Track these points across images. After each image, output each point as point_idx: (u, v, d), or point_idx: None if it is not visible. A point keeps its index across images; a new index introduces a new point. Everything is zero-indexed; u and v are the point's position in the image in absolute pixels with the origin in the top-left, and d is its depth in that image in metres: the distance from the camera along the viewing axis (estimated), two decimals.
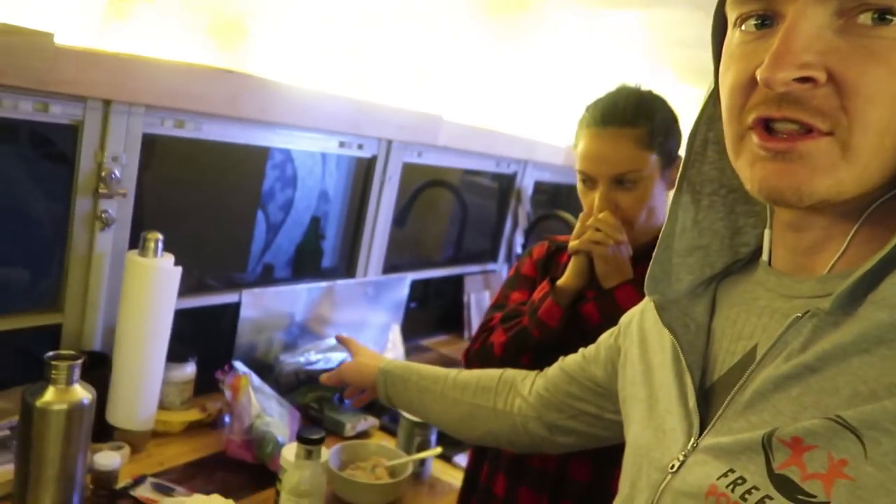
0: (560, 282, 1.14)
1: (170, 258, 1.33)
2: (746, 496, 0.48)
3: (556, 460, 1.14)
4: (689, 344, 0.62)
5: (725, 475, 0.50)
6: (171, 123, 1.38)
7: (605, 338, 0.87)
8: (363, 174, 1.97)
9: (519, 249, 2.71)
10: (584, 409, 0.88)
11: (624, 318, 0.83)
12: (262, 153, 1.73)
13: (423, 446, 1.48)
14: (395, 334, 1.97)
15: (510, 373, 1.03)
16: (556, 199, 3.09)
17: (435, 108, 1.96)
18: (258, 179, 1.77)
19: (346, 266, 2.05)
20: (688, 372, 0.61)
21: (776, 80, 0.46)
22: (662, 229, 0.67)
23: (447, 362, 2.25)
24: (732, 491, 0.49)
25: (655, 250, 0.67)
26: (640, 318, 0.75)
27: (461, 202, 2.65)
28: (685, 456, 0.56)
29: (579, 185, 1.16)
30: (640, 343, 0.73)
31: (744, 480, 0.49)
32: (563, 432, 0.92)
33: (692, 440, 0.57)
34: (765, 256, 0.62)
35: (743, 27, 0.51)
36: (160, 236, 1.30)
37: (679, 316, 0.65)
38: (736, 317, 0.62)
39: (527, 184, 2.69)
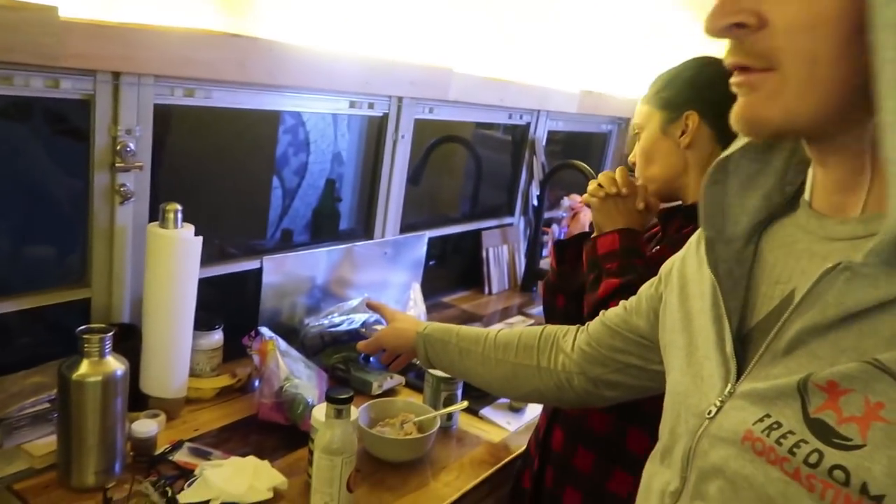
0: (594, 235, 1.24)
1: (190, 228, 1.34)
2: (782, 440, 0.48)
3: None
4: (731, 289, 0.62)
5: (761, 420, 0.51)
6: (181, 93, 1.38)
7: (646, 288, 0.87)
8: (375, 134, 1.96)
9: (535, 202, 2.69)
10: (629, 362, 0.88)
11: (664, 266, 0.82)
12: (273, 118, 1.72)
13: (450, 401, 1.50)
14: (416, 293, 1.98)
15: (550, 329, 1.03)
16: (570, 149, 3.06)
17: (444, 62, 1.93)
18: (271, 145, 1.77)
19: (364, 227, 2.05)
20: (726, 317, 0.60)
21: (712, 28, 0.52)
22: (717, 160, 0.65)
23: (469, 318, 2.26)
24: (768, 436, 0.49)
25: (707, 184, 0.65)
26: (681, 265, 0.74)
27: (475, 157, 2.63)
28: (722, 402, 0.56)
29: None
30: (679, 290, 0.72)
31: (780, 425, 0.49)
32: (609, 386, 0.93)
33: (729, 386, 0.57)
34: (807, 195, 0.61)
35: None
36: (179, 207, 1.30)
37: (726, 259, 0.63)
38: (775, 261, 0.61)
39: (540, 134, 2.65)
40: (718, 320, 0.62)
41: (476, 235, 2.52)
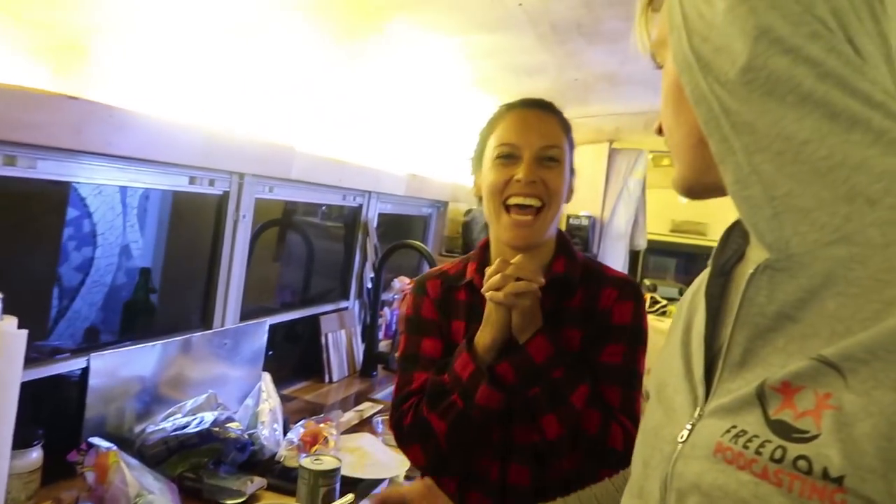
0: (480, 340, 1.06)
1: (12, 321, 1.09)
2: (748, 444, 0.51)
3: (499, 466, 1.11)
4: (709, 318, 0.65)
5: (728, 431, 0.53)
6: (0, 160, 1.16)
7: None
8: (215, 213, 1.81)
9: (369, 284, 2.65)
10: None
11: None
12: (60, 204, 1.52)
13: (329, 497, 1.36)
14: (268, 383, 1.81)
15: None
16: (397, 231, 3.09)
17: (286, 139, 1.87)
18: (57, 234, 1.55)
19: (202, 316, 1.85)
20: (699, 346, 0.63)
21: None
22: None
23: (314, 409, 2.11)
24: (735, 443, 0.52)
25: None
26: (682, 316, 0.77)
27: (306, 240, 2.54)
28: (693, 425, 0.59)
29: (494, 167, 1.11)
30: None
31: (745, 432, 0.52)
32: None
33: (698, 409, 0.59)
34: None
35: None
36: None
37: (713, 294, 0.67)
38: (732, 291, 0.65)
39: (371, 216, 2.65)
40: (687, 357, 0.65)
41: (314, 321, 2.40)
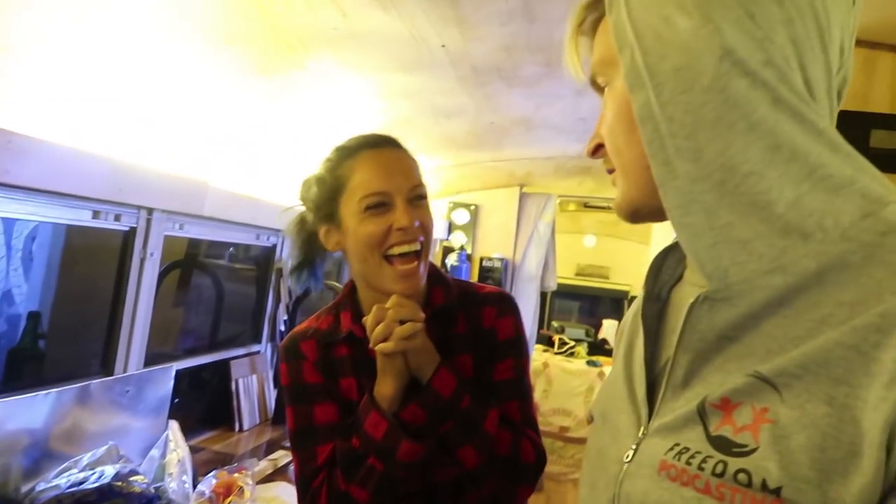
0: (382, 393, 1.00)
1: None
2: (690, 461, 0.52)
3: None
4: (647, 342, 0.67)
5: (672, 449, 0.55)
6: None
7: None
8: (120, 251, 1.69)
9: (283, 327, 2.56)
10: None
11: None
12: None
13: None
14: (175, 432, 1.68)
15: None
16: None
17: (199, 174, 1.79)
18: None
19: (102, 362, 1.71)
20: (640, 368, 0.65)
21: (587, 153, 0.65)
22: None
23: (223, 460, 1.98)
24: (678, 460, 0.53)
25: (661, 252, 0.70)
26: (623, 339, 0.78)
27: (214, 282, 2.43)
28: (637, 444, 0.60)
29: (360, 220, 1.01)
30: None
31: (687, 449, 0.53)
32: None
33: (642, 429, 0.60)
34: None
35: None
36: None
37: (650, 315, 0.68)
38: (672, 312, 0.67)
39: (286, 257, 2.57)
40: (629, 378, 0.66)
41: (223, 366, 2.27)
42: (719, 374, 0.54)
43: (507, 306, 1.12)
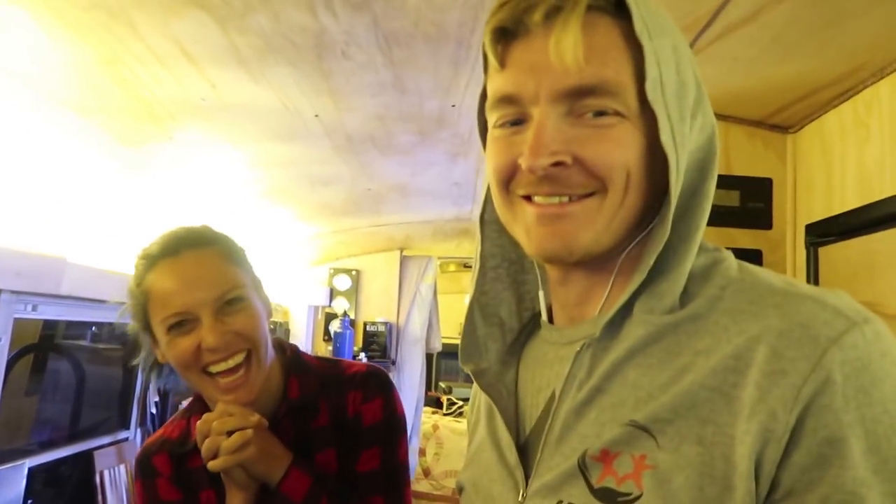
0: None
1: None
2: None
3: None
4: (504, 408, 0.67)
5: None
6: None
7: None
8: None
9: (154, 409, 2.39)
10: None
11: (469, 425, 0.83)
12: None
13: None
14: None
15: None
16: None
17: (55, 249, 1.67)
18: None
19: None
20: (505, 434, 0.65)
21: (537, 166, 0.57)
22: (468, 303, 0.71)
23: None
24: None
25: (464, 324, 0.70)
26: (475, 415, 0.78)
27: (74, 366, 2.24)
28: None
29: (168, 340, 0.92)
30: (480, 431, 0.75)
31: None
32: None
33: (521, 493, 0.60)
34: (543, 316, 0.71)
35: (501, 126, 0.62)
36: None
37: (494, 383, 0.69)
38: (532, 375, 0.69)
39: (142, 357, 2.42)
40: (497, 444, 0.67)
41: (86, 458, 2.07)
42: (594, 426, 0.56)
43: (375, 386, 1.04)
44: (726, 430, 0.49)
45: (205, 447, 0.90)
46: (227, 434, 0.89)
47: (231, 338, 0.91)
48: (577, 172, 0.57)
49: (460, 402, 5.19)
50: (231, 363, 0.92)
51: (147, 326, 0.97)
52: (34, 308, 1.72)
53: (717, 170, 0.60)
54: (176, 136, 1.64)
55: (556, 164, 0.57)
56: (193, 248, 0.95)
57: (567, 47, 0.54)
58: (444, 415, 5.01)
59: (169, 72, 1.32)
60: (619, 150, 0.56)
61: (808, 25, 1.09)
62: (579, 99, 0.56)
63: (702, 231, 0.58)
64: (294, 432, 0.99)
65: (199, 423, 0.91)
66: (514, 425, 0.66)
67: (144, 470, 1.02)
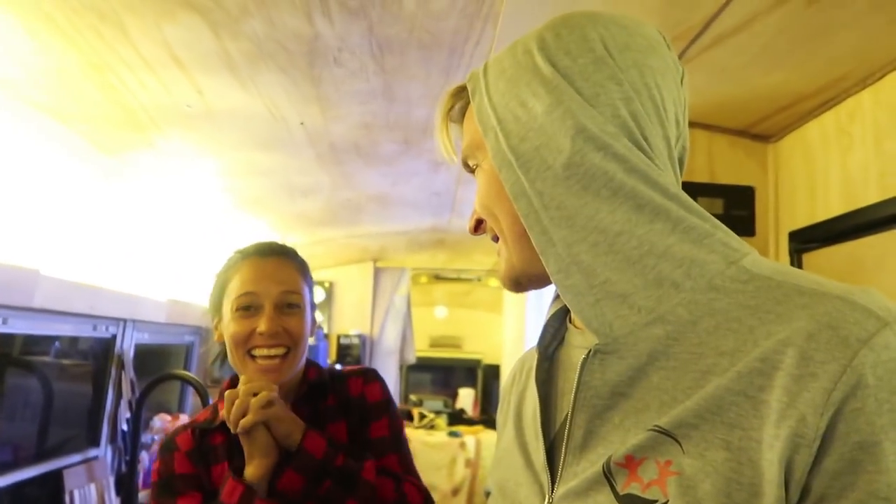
0: (251, 473, 1.00)
1: None
2: None
3: None
4: (543, 408, 0.66)
5: None
6: None
7: None
8: None
9: (125, 426, 2.31)
10: None
11: (498, 417, 0.81)
12: None
13: None
14: None
15: None
16: (155, 362, 2.77)
17: (28, 262, 1.61)
18: None
19: None
20: (532, 438, 0.64)
21: (470, 230, 0.68)
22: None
23: None
24: None
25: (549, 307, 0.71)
26: (512, 404, 0.76)
27: (42, 382, 2.15)
28: None
29: (232, 318, 1.08)
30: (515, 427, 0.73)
31: None
32: None
33: (547, 498, 0.60)
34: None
35: None
36: None
37: (540, 380, 0.68)
38: (561, 375, 0.68)
39: (127, 347, 2.36)
40: (524, 447, 0.66)
41: (55, 477, 1.99)
42: (619, 431, 0.55)
43: (372, 375, 1.20)
44: (753, 435, 0.48)
45: (235, 408, 0.99)
46: (252, 396, 1.00)
47: (280, 331, 1.07)
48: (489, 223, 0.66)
49: (431, 415, 5.15)
50: (273, 352, 1.07)
51: (218, 308, 1.13)
52: (4, 321, 1.66)
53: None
54: (158, 144, 1.60)
55: (478, 223, 0.67)
56: (277, 256, 1.14)
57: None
58: (416, 428, 4.96)
59: (156, 77, 1.29)
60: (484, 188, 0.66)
61: (797, 35, 1.12)
62: None
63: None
64: (309, 410, 1.11)
65: (227, 392, 1.02)
66: (545, 425, 0.65)
67: (166, 445, 1.11)
